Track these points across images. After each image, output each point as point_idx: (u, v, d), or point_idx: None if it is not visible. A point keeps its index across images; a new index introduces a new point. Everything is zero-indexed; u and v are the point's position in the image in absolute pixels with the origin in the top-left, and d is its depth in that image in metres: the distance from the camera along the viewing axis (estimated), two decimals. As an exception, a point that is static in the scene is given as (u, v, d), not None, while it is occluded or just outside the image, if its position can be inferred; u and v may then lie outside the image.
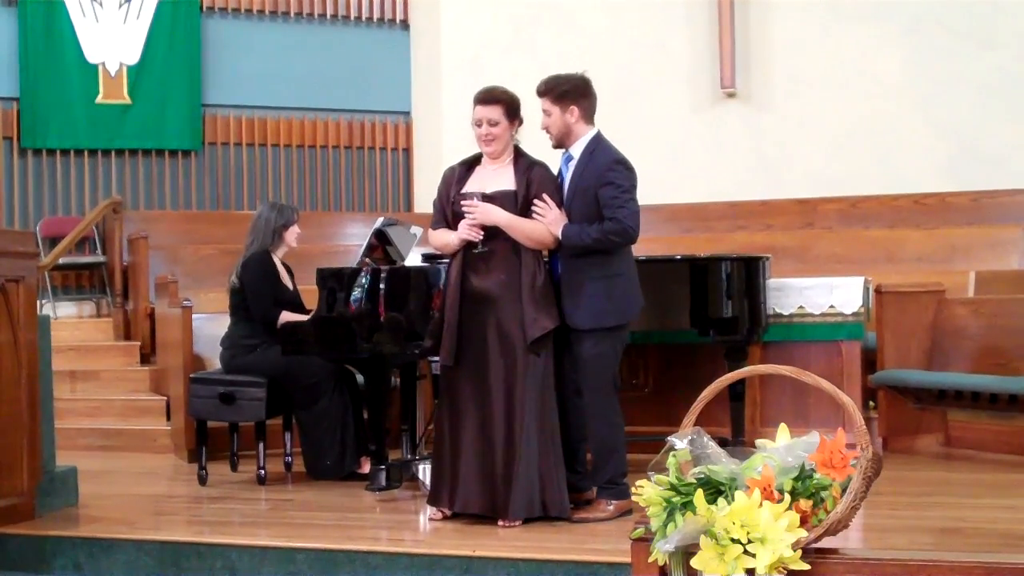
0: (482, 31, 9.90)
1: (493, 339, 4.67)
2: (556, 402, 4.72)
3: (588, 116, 4.74)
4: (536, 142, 4.89)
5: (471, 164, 4.87)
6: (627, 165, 4.68)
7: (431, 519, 4.80)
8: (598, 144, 4.71)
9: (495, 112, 4.73)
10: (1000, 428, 6.09)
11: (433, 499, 4.81)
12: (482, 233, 4.65)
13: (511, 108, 4.76)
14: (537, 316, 4.62)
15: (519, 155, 4.81)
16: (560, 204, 4.68)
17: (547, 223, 4.61)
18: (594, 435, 4.74)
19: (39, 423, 4.99)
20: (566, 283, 4.71)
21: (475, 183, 4.78)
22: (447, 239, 4.74)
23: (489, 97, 4.76)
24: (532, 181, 4.69)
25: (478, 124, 4.75)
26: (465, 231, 4.67)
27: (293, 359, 5.75)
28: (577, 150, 4.72)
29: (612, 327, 4.66)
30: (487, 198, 4.69)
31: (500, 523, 4.63)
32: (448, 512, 4.75)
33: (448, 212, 4.78)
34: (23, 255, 5.00)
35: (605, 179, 4.60)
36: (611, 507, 4.72)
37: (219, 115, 9.88)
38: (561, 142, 4.76)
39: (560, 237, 4.62)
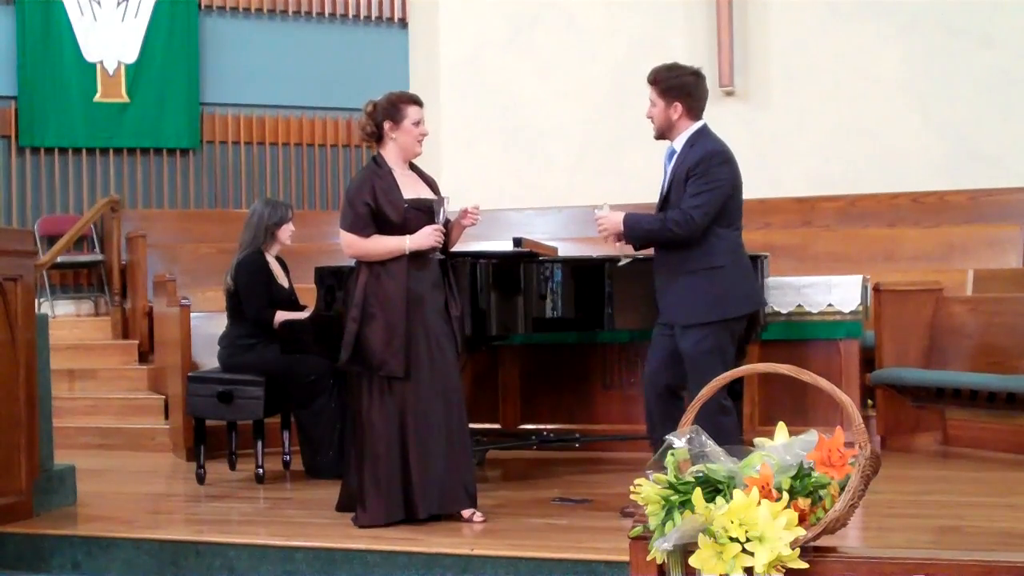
0: (480, 30, 9.90)
1: (439, 340, 4.71)
2: None
3: (693, 112, 4.63)
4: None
5: (388, 170, 4.80)
6: (724, 157, 4.57)
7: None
8: (699, 137, 4.61)
9: None
10: (998, 426, 6.10)
11: (386, 514, 4.67)
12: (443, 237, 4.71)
13: None
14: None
15: (413, 165, 4.92)
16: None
17: (607, 230, 4.61)
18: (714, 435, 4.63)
19: (37, 422, 4.99)
20: (662, 280, 4.64)
21: (408, 192, 4.76)
22: (397, 245, 4.66)
23: (422, 101, 4.86)
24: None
25: (421, 122, 4.81)
26: (436, 238, 4.67)
27: (291, 357, 5.76)
28: (679, 144, 4.63)
29: (713, 322, 4.53)
30: (431, 204, 4.74)
31: (473, 516, 4.69)
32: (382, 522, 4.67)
33: (395, 217, 4.68)
34: (21, 254, 5.00)
35: (695, 171, 4.51)
36: None
37: (217, 114, 9.88)
38: (663, 134, 4.68)
39: (624, 230, 4.57)
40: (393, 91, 4.89)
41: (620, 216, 4.58)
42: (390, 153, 4.81)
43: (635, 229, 4.57)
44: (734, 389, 5.89)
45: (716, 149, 4.56)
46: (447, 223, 4.79)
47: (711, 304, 4.52)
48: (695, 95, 4.62)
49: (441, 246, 4.72)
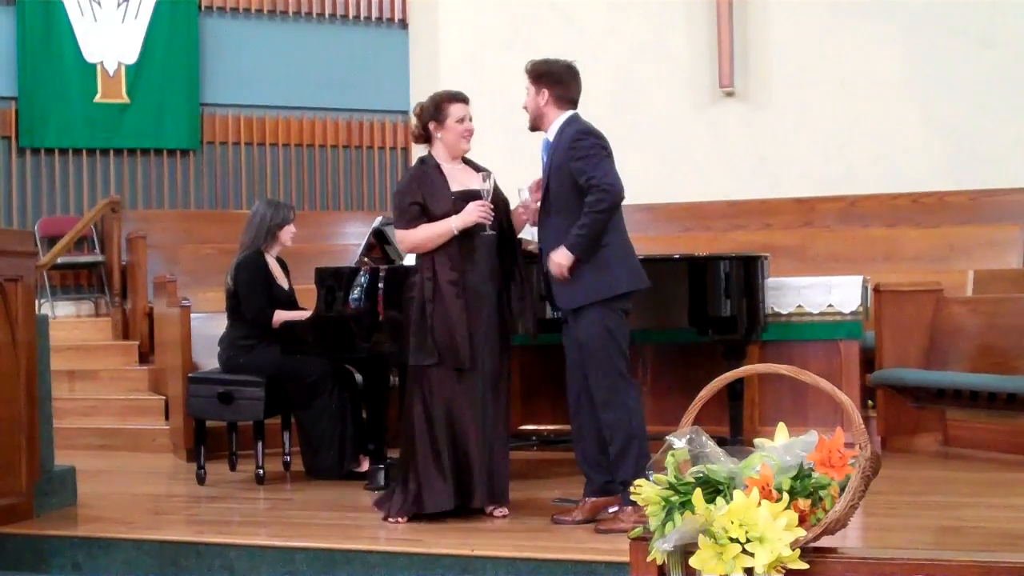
0: (480, 30, 9.90)
1: (489, 331, 4.74)
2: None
3: (562, 101, 4.65)
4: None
5: (436, 165, 4.85)
6: (593, 133, 4.58)
7: (397, 523, 4.71)
8: (570, 123, 4.63)
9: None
10: (998, 427, 6.10)
11: (415, 505, 4.70)
12: (493, 215, 4.71)
13: None
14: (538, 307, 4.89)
15: (466, 159, 4.95)
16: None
17: (558, 266, 4.53)
18: (609, 424, 4.52)
19: (37, 423, 4.99)
20: (548, 262, 4.61)
21: (456, 184, 4.79)
22: (446, 227, 4.68)
23: (468, 98, 4.89)
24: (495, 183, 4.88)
25: (465, 119, 4.83)
26: (480, 212, 4.66)
27: (291, 358, 5.76)
28: (552, 133, 4.67)
29: (606, 299, 4.49)
30: (480, 193, 4.74)
31: (495, 511, 4.75)
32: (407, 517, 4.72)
33: (443, 210, 4.71)
34: (21, 254, 5.00)
35: (572, 153, 4.53)
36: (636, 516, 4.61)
37: (217, 114, 9.88)
38: (535, 124, 4.72)
39: (573, 255, 4.47)
40: (438, 91, 4.97)
41: (563, 255, 4.48)
42: (439, 152, 4.87)
43: (578, 247, 4.48)
44: (734, 389, 5.92)
45: (586, 127, 4.61)
46: (506, 203, 4.84)
47: (599, 284, 4.50)
48: (564, 83, 4.67)
49: (490, 221, 4.68)
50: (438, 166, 4.84)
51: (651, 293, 4.84)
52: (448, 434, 4.71)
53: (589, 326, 4.51)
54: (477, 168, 4.89)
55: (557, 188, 4.59)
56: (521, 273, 4.86)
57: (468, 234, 4.70)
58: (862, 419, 2.48)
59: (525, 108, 4.73)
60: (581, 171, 4.50)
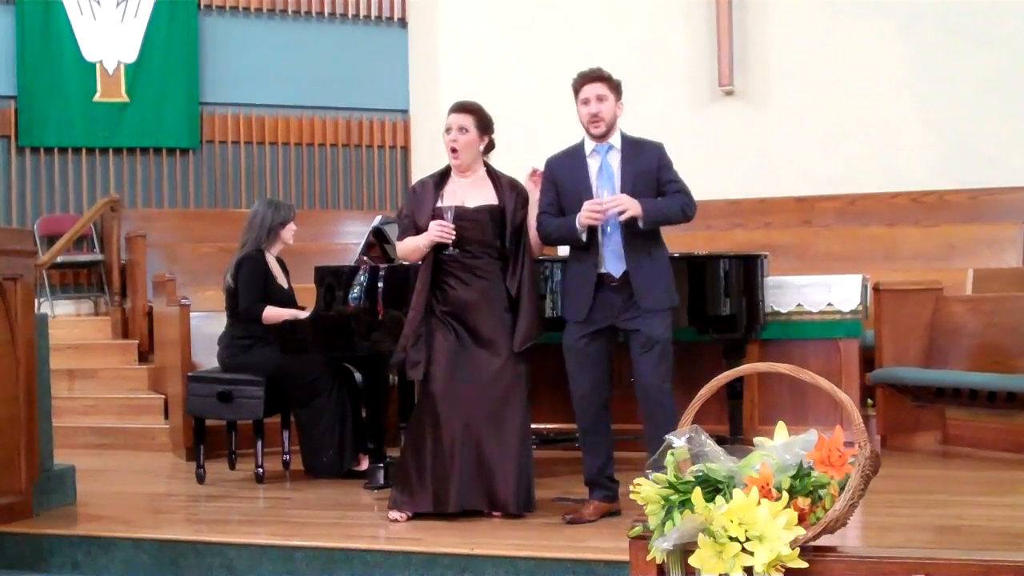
0: (480, 29, 9.90)
1: (477, 344, 4.74)
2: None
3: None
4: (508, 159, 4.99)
5: (440, 179, 4.87)
6: None
7: (395, 521, 4.75)
8: (630, 136, 4.79)
9: (466, 120, 4.82)
10: (998, 426, 6.10)
11: (408, 504, 4.76)
12: (454, 234, 4.69)
13: (482, 121, 4.85)
14: (531, 324, 4.80)
15: (492, 171, 4.90)
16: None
17: (627, 208, 4.51)
18: (659, 429, 4.57)
19: (37, 421, 4.99)
20: (637, 265, 4.62)
21: (450, 197, 4.80)
22: (415, 243, 4.76)
23: (461, 106, 4.86)
24: (519, 196, 4.82)
25: (447, 131, 4.82)
26: (437, 232, 4.69)
27: (291, 357, 5.76)
28: (617, 141, 4.74)
29: (675, 306, 4.74)
30: (467, 212, 4.74)
31: (496, 514, 4.74)
32: (409, 515, 4.75)
33: (424, 225, 4.76)
34: (21, 253, 5.00)
35: (663, 162, 4.73)
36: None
37: (217, 113, 9.88)
38: (606, 131, 4.70)
39: (643, 215, 4.55)
40: None
41: (635, 206, 4.56)
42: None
43: (651, 217, 4.60)
44: (733, 388, 5.92)
45: (660, 142, 4.81)
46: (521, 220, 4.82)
47: (673, 288, 4.75)
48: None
49: (449, 240, 4.68)
50: (443, 180, 4.86)
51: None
52: (434, 440, 4.73)
53: (667, 329, 4.63)
54: (497, 180, 4.86)
55: (643, 191, 4.66)
56: (521, 288, 4.81)
57: (439, 252, 4.75)
58: (862, 418, 2.48)
59: (596, 115, 4.66)
60: (674, 180, 4.73)
